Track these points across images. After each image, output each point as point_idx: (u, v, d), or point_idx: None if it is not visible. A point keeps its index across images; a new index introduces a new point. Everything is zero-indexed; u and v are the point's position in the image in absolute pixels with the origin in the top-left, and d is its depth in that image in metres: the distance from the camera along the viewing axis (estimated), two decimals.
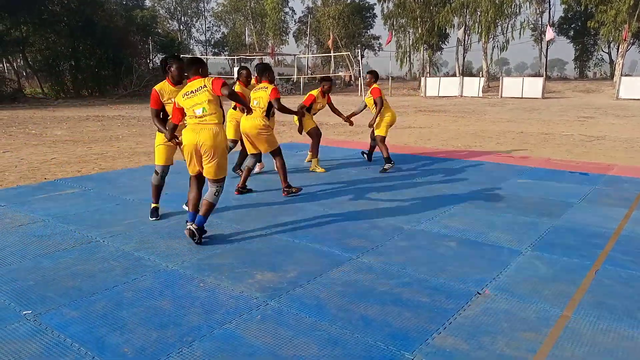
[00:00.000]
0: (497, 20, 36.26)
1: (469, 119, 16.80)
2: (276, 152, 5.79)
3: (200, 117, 4.09)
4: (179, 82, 4.72)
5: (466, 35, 38.96)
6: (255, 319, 2.93)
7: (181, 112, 4.22)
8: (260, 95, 5.75)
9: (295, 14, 60.88)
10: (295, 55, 43.80)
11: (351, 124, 7.82)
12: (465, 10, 37.32)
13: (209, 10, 62.86)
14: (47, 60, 29.68)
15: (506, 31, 38.40)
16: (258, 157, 6.12)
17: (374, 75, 7.70)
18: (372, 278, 3.51)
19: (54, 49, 29.59)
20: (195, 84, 4.14)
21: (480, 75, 35.63)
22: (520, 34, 40.13)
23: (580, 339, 2.71)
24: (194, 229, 4.12)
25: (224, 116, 4.35)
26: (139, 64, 33.95)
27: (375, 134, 7.62)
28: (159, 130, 4.74)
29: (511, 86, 30.67)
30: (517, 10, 36.98)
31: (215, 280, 3.46)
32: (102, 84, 31.88)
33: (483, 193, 6.02)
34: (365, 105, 7.83)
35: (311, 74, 45.32)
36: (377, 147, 7.76)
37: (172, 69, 4.67)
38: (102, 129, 13.78)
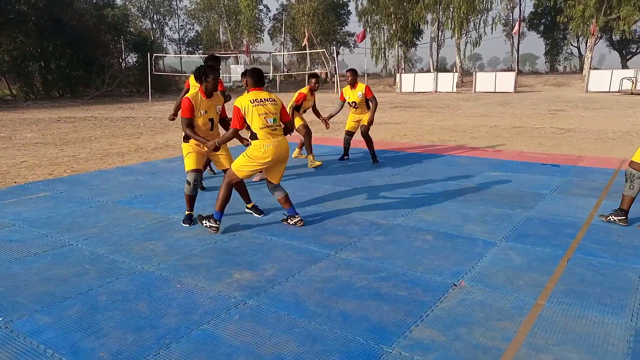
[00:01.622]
0: (470, 16, 36.74)
1: (444, 114, 16.99)
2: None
3: (272, 126, 4.30)
4: (210, 95, 4.58)
5: (439, 32, 39.39)
6: (233, 318, 2.91)
7: (243, 120, 4.29)
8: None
9: (269, 11, 60.64)
10: (270, 53, 43.59)
11: (327, 126, 7.67)
12: (438, 6, 37.68)
13: (182, 8, 62.30)
14: (15, 61, 28.86)
15: (478, 27, 38.96)
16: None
17: (355, 73, 7.54)
18: (350, 273, 3.53)
19: (22, 50, 28.81)
20: (262, 94, 4.35)
21: (454, 71, 36.07)
22: (492, 29, 40.60)
23: (554, 326, 2.78)
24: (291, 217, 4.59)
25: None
26: (111, 63, 33.36)
27: (362, 124, 7.58)
28: (196, 139, 4.50)
29: (484, 81, 31.16)
30: (489, 6, 37.53)
31: (193, 281, 3.43)
32: (73, 85, 31.21)
33: (458, 186, 6.10)
34: (343, 106, 7.77)
35: (287, 72, 45.18)
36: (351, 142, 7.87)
37: (209, 79, 4.48)
38: (73, 130, 13.49)
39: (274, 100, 4.37)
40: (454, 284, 3.33)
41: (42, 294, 3.24)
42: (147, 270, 3.62)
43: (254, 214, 4.99)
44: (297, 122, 7.41)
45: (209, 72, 4.50)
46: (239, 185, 4.75)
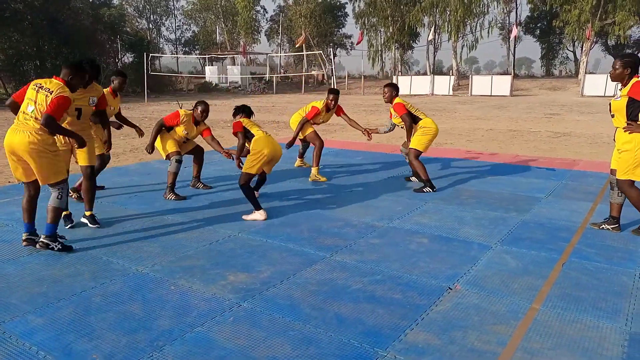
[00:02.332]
0: (466, 20, 36.94)
1: (440, 117, 17.03)
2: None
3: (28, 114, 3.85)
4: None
5: (436, 35, 39.51)
6: (227, 320, 2.89)
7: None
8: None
9: (266, 12, 60.31)
10: (267, 54, 43.63)
11: (370, 137, 6.87)
12: (435, 9, 37.83)
13: (178, 9, 61.98)
14: (10, 60, 28.73)
15: (475, 30, 39.17)
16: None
17: (395, 88, 6.30)
18: (345, 276, 3.52)
19: (17, 49, 28.67)
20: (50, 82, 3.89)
21: (451, 74, 36.20)
22: (488, 33, 40.95)
23: (549, 330, 2.78)
24: (44, 242, 3.97)
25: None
26: (107, 63, 33.26)
27: (408, 147, 6.27)
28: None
29: (480, 84, 31.29)
30: (486, 10, 37.72)
31: (187, 283, 3.41)
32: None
33: (453, 190, 6.11)
34: (394, 127, 6.70)
35: (284, 73, 45.19)
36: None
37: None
38: None
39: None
40: (449, 288, 3.32)
41: (35, 295, 3.21)
42: (141, 272, 3.60)
43: (89, 223, 4.66)
44: (308, 130, 6.87)
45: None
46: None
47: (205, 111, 5.81)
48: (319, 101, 6.91)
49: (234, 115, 5.40)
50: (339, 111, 6.98)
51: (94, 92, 4.65)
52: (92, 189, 4.73)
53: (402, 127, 6.38)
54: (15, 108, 4.16)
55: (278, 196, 5.82)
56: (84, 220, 4.71)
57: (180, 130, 5.78)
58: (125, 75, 5.95)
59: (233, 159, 5.70)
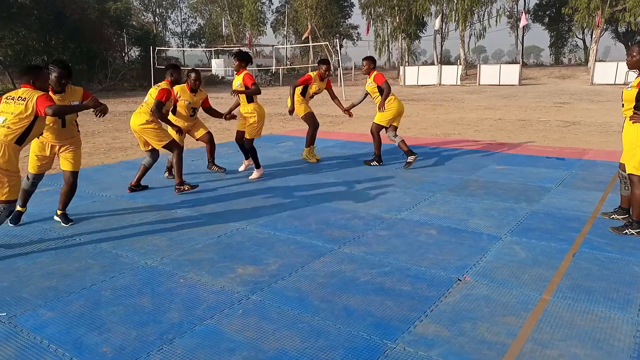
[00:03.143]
0: (474, 8, 36.53)
1: (448, 107, 16.91)
2: (170, 146, 5.55)
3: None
4: (58, 91, 4.39)
5: (443, 24, 39.14)
6: (236, 313, 2.90)
7: None
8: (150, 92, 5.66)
9: (272, 4, 60.32)
10: (273, 46, 43.45)
11: (350, 115, 7.49)
12: None
13: (184, 2, 61.84)
14: (18, 55, 28.83)
15: (483, 19, 38.73)
16: (155, 155, 5.80)
17: (372, 61, 6.84)
18: (354, 268, 3.51)
19: (24, 44, 28.75)
20: (19, 92, 3.88)
21: (458, 64, 35.89)
22: (496, 21, 40.42)
23: (559, 321, 2.75)
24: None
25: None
26: (113, 57, 33.32)
27: (373, 121, 6.82)
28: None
29: (488, 74, 30.98)
30: None
31: (196, 276, 3.42)
32: (76, 79, 31.00)
33: (462, 180, 6.07)
34: (366, 95, 7.12)
35: (290, 65, 45.03)
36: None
37: (52, 76, 4.28)
38: None
39: (25, 99, 3.84)
40: (459, 279, 3.31)
41: (46, 289, 3.24)
42: (150, 265, 3.61)
43: (62, 221, 4.61)
44: (302, 110, 7.12)
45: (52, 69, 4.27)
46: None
47: (198, 79, 6.10)
48: (313, 72, 7.36)
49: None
50: (328, 84, 7.32)
51: (74, 96, 4.52)
52: (72, 194, 4.63)
53: (374, 98, 6.90)
54: None
55: (285, 189, 5.82)
56: (56, 218, 4.65)
57: (182, 104, 6.08)
58: (177, 66, 6.06)
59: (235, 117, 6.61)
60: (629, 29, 36.78)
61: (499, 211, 4.78)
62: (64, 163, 4.53)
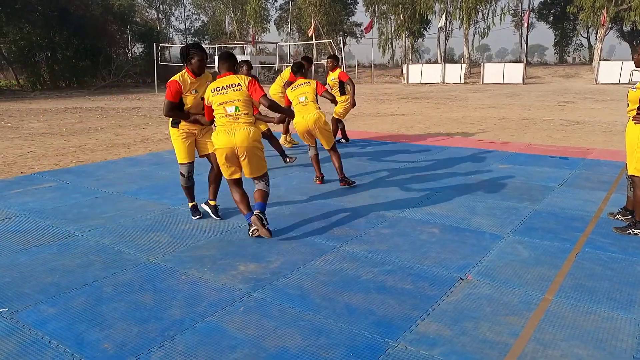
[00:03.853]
0: (478, 6, 36.39)
1: (451, 106, 16.87)
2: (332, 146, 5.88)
3: (233, 115, 3.96)
4: (199, 74, 4.37)
5: (447, 22, 39.02)
6: (238, 311, 2.90)
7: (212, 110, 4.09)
8: (306, 90, 5.78)
9: (276, 1, 60.21)
10: (277, 43, 43.40)
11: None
12: None
13: None
14: (22, 51, 28.91)
15: (487, 17, 38.59)
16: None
17: (337, 59, 7.89)
18: (355, 266, 3.50)
19: (29, 40, 28.82)
20: (227, 80, 4.01)
21: (462, 62, 35.78)
22: (500, 19, 40.30)
23: (562, 321, 2.74)
24: (259, 215, 3.96)
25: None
26: (117, 54, 33.36)
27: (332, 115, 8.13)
28: (177, 121, 4.39)
29: (492, 72, 30.91)
30: None
31: (198, 273, 3.42)
32: (79, 75, 31.24)
33: (465, 179, 6.05)
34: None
35: (293, 62, 44.97)
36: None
37: (194, 60, 4.27)
38: (80, 120, 13.51)
39: (239, 85, 4.00)
40: (461, 278, 3.29)
41: (48, 285, 3.24)
42: (152, 262, 3.61)
43: (212, 213, 4.69)
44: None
45: (194, 52, 4.27)
46: (216, 178, 4.64)
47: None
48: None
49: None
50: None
51: (206, 78, 4.52)
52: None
53: (332, 89, 7.93)
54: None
55: (287, 186, 5.81)
56: (206, 208, 4.76)
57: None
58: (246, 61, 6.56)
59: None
60: (634, 28, 36.60)
61: (501, 210, 4.76)
62: (205, 149, 4.56)
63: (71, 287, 3.21)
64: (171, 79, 4.34)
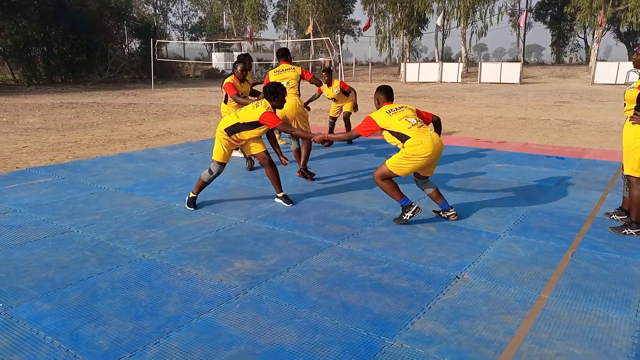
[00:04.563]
0: (476, 6, 36.39)
1: (448, 105, 16.88)
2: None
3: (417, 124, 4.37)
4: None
5: (445, 21, 39.03)
6: (234, 308, 2.89)
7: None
8: (289, 75, 5.94)
9: None
10: (274, 40, 43.31)
11: (309, 109, 7.86)
12: None
13: None
14: (17, 46, 28.66)
15: (484, 16, 38.60)
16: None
17: (330, 72, 8.29)
18: (352, 264, 3.50)
19: (24, 34, 28.58)
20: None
21: (459, 61, 35.81)
22: (498, 19, 40.24)
23: (558, 320, 2.75)
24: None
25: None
26: (113, 49, 33.16)
27: (344, 110, 8.45)
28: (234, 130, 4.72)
29: (489, 72, 30.90)
30: None
31: (193, 270, 3.41)
32: (75, 70, 31.03)
33: (461, 178, 6.05)
34: (319, 96, 8.34)
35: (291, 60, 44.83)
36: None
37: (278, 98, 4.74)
38: (76, 116, 13.44)
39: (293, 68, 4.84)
40: (457, 277, 3.30)
41: (43, 280, 3.22)
42: (147, 258, 3.60)
43: (283, 203, 4.95)
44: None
45: (279, 92, 4.71)
46: (272, 172, 4.93)
47: (244, 69, 6.33)
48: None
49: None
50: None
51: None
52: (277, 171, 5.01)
53: (334, 100, 8.46)
54: None
55: (284, 184, 5.79)
56: (278, 201, 5.01)
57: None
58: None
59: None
60: (631, 29, 36.69)
61: (498, 209, 4.77)
62: (249, 149, 4.93)
63: (66, 282, 3.19)
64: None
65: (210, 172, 4.76)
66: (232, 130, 4.70)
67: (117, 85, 27.80)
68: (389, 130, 4.30)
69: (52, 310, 2.85)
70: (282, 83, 5.03)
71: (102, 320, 2.73)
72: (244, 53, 6.95)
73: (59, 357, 2.42)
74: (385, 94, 4.51)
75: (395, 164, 4.26)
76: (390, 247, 3.81)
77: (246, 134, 4.72)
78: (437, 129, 4.60)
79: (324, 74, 8.19)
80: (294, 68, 5.96)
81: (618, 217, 4.41)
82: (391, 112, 4.34)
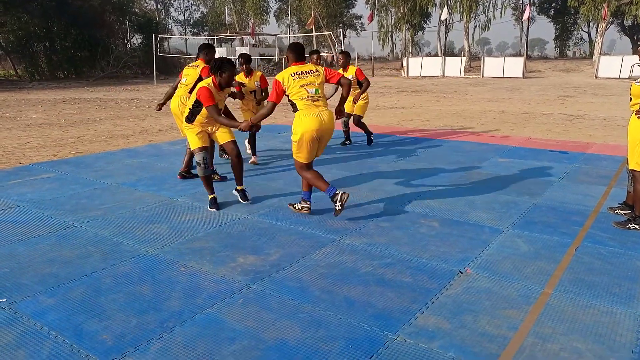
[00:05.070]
0: (479, 0, 36.19)
1: (451, 99, 16.83)
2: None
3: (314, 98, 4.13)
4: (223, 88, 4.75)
5: (448, 15, 38.84)
6: (237, 302, 2.89)
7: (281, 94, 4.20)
8: (189, 72, 5.59)
9: None
10: (276, 35, 43.21)
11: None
12: None
13: None
14: (20, 41, 28.71)
15: (487, 10, 38.44)
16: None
17: (349, 56, 7.65)
18: (355, 259, 3.50)
19: (27, 30, 28.62)
20: (305, 67, 4.23)
21: (462, 55, 35.67)
22: (501, 13, 40.07)
23: (561, 315, 2.74)
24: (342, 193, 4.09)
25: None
26: (115, 44, 33.16)
27: (355, 113, 7.63)
28: (229, 124, 4.60)
29: (492, 66, 30.83)
30: None
31: (197, 265, 3.41)
32: (78, 66, 31.07)
33: (465, 172, 6.04)
34: (337, 89, 7.37)
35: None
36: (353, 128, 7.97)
37: (225, 75, 4.57)
38: (78, 111, 13.46)
39: (317, 71, 4.22)
40: (460, 271, 3.29)
41: (46, 276, 3.23)
42: (151, 253, 3.60)
43: (239, 197, 4.85)
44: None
45: (226, 68, 4.53)
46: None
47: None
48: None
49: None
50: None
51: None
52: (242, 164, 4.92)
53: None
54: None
55: (287, 179, 5.80)
56: (235, 193, 4.93)
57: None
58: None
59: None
60: (635, 22, 36.47)
61: (501, 204, 4.76)
62: (221, 136, 4.83)
63: (70, 278, 3.20)
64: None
65: (199, 164, 4.64)
66: (189, 118, 4.70)
67: (119, 81, 27.80)
68: (287, 95, 4.19)
69: (56, 305, 2.86)
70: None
71: (105, 315, 2.74)
72: (242, 53, 6.78)
73: (63, 352, 2.42)
74: (295, 53, 4.24)
75: (294, 151, 4.30)
76: (393, 242, 3.80)
77: (202, 116, 4.63)
78: (345, 91, 4.36)
79: (340, 55, 7.64)
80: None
81: (622, 212, 4.40)
82: (295, 75, 4.16)
